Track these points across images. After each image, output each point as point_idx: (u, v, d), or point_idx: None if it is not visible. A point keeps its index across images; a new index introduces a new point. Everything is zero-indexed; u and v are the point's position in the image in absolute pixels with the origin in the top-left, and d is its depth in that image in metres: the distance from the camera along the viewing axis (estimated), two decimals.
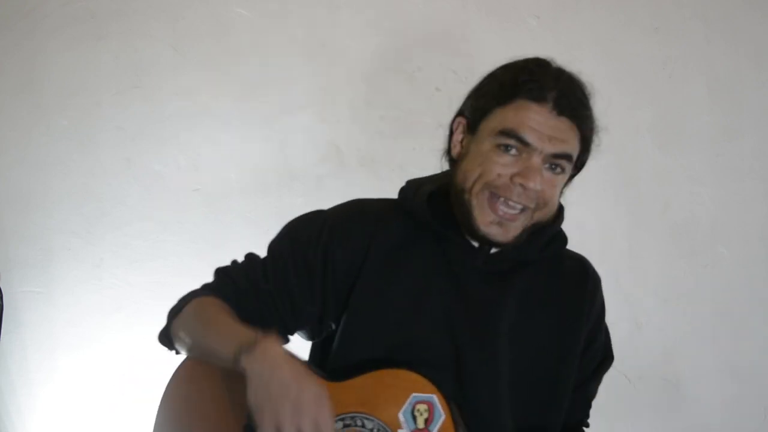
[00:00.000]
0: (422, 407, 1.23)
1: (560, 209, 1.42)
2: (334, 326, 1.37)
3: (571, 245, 2.35)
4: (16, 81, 2.28)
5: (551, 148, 1.28)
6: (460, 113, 1.39)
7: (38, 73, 2.29)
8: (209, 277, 1.45)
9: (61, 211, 2.28)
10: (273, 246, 1.41)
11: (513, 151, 1.28)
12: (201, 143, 2.31)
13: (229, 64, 2.33)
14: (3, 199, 2.27)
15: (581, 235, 2.36)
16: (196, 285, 1.45)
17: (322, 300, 1.35)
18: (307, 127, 2.32)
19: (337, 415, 1.23)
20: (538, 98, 1.29)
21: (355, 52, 2.34)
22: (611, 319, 2.37)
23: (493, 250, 1.35)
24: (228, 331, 1.26)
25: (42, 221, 2.27)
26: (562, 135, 1.29)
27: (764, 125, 2.40)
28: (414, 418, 1.23)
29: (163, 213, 2.29)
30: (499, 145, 1.28)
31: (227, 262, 1.44)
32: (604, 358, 1.47)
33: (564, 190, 1.40)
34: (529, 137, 1.27)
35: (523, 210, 1.29)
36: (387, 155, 2.32)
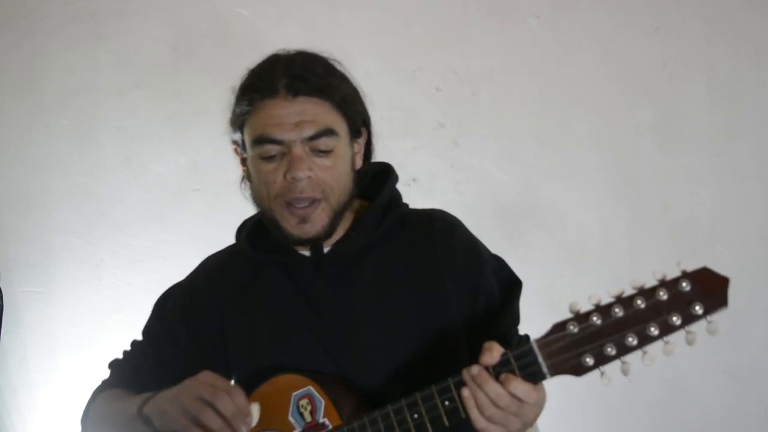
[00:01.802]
0: (304, 402, 1.27)
1: (387, 170, 1.42)
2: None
3: (572, 245, 2.35)
4: (16, 81, 2.28)
5: (303, 133, 1.26)
6: (232, 141, 1.39)
7: (38, 73, 2.29)
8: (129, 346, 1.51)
9: (61, 211, 2.28)
10: (145, 330, 1.49)
11: (275, 155, 1.28)
12: (201, 143, 2.31)
13: (229, 64, 2.32)
14: (3, 199, 2.27)
15: (581, 235, 2.38)
16: (135, 338, 1.50)
17: (202, 361, 1.37)
18: None
19: None
20: (270, 93, 1.29)
21: (355, 52, 2.34)
22: None
23: (326, 250, 1.36)
24: (128, 402, 1.33)
25: (42, 221, 2.27)
26: (307, 116, 1.27)
27: (764, 125, 2.40)
28: (301, 414, 1.27)
29: (163, 213, 2.30)
30: (261, 157, 1.29)
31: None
32: (510, 286, 1.39)
33: (369, 157, 1.39)
34: (276, 134, 1.27)
35: (313, 202, 1.29)
36: (387, 155, 2.31)
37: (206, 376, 1.21)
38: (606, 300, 1.03)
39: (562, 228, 2.33)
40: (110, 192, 2.29)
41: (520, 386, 1.07)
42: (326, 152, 1.29)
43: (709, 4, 2.41)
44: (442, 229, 1.38)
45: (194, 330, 1.40)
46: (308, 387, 1.27)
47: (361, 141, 1.38)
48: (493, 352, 1.09)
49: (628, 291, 1.03)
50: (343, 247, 1.36)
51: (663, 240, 2.39)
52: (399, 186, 1.45)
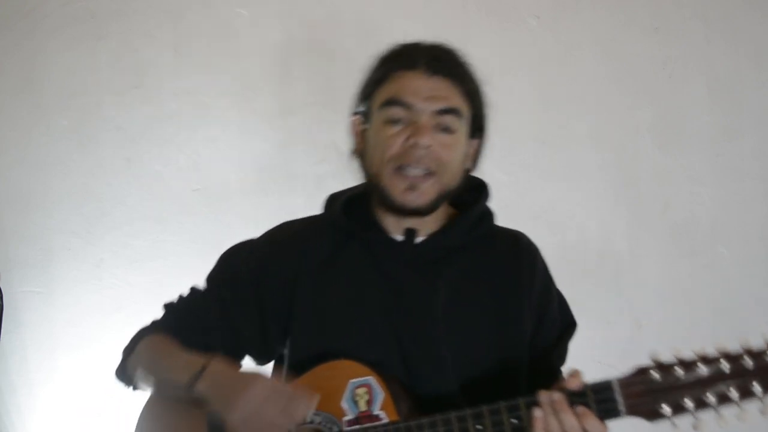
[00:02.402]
0: (361, 391, 1.27)
1: (483, 186, 1.45)
2: (285, 349, 1.40)
3: (572, 245, 2.35)
4: (16, 81, 2.28)
5: (433, 105, 1.31)
6: (353, 113, 1.43)
7: (38, 73, 2.29)
8: (187, 292, 1.48)
9: (61, 211, 2.28)
10: (209, 279, 1.46)
11: (400, 120, 1.32)
12: (201, 143, 2.31)
13: (229, 64, 2.33)
14: (3, 199, 2.27)
15: (581, 235, 2.38)
16: (196, 285, 1.47)
17: (261, 325, 1.39)
18: (307, 127, 2.32)
19: None
20: (410, 65, 1.34)
21: (355, 51, 2.34)
22: (612, 318, 2.38)
23: (419, 240, 1.38)
24: (178, 362, 1.32)
25: (42, 221, 2.27)
26: (441, 92, 1.32)
27: (764, 125, 2.40)
28: (355, 402, 1.27)
29: (163, 213, 2.30)
30: (387, 121, 1.33)
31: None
32: (567, 325, 1.46)
33: (478, 159, 1.42)
34: (409, 99, 1.31)
35: (427, 173, 1.31)
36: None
37: (264, 400, 1.19)
38: (689, 356, 1.11)
39: (562, 228, 2.33)
40: (110, 192, 2.29)
41: (594, 424, 1.12)
42: (449, 132, 1.33)
43: (709, 4, 2.41)
44: (528, 251, 1.43)
45: (263, 293, 1.39)
46: (369, 377, 1.28)
47: (475, 144, 1.41)
48: (578, 380, 1.14)
49: (712, 352, 1.10)
50: (437, 240, 1.38)
51: (663, 240, 2.39)
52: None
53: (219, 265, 1.47)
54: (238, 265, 1.43)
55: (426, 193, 1.32)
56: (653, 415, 1.10)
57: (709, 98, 2.40)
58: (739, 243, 2.39)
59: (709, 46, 2.40)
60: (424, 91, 1.32)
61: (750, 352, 1.11)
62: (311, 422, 1.27)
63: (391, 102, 1.33)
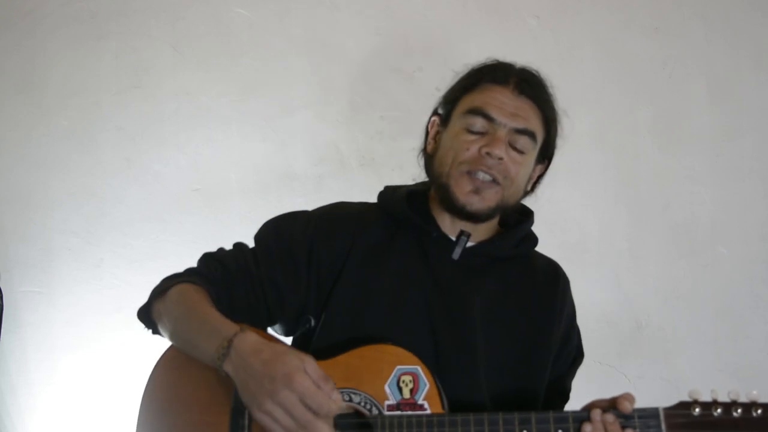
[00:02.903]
0: (407, 378, 1.29)
1: (530, 213, 1.53)
2: (313, 322, 1.41)
3: (572, 245, 2.36)
4: (16, 81, 2.28)
5: (514, 123, 1.39)
6: (434, 113, 1.50)
7: (38, 73, 2.29)
8: (236, 248, 1.48)
9: (61, 211, 2.28)
10: (260, 238, 1.47)
11: (480, 129, 1.39)
12: (201, 143, 2.31)
13: (229, 64, 2.33)
14: (3, 199, 2.27)
15: (581, 235, 2.38)
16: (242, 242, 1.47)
17: (306, 292, 1.40)
18: (307, 127, 2.32)
19: None
20: (501, 81, 1.41)
21: (355, 52, 2.34)
22: (611, 319, 2.38)
23: (470, 244, 1.43)
24: (207, 327, 1.29)
25: (42, 221, 2.27)
26: (523, 113, 1.40)
27: (764, 125, 2.40)
28: (399, 389, 1.29)
29: (163, 213, 2.30)
30: (467, 127, 1.39)
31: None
32: (577, 356, 1.54)
33: (537, 184, 1.51)
34: (493, 112, 1.38)
35: (494, 181, 1.38)
36: (387, 155, 2.32)
37: (286, 379, 1.16)
38: (724, 398, 1.23)
39: (562, 228, 2.33)
40: (110, 192, 2.29)
41: None
42: (520, 152, 1.40)
43: (709, 4, 2.41)
44: (564, 281, 1.52)
45: (313, 260, 1.41)
46: (417, 366, 1.30)
47: (539, 169, 1.51)
48: (630, 403, 1.22)
49: (744, 398, 1.23)
50: (486, 248, 1.45)
51: (663, 240, 2.39)
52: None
53: (274, 227, 1.47)
54: (295, 229, 1.44)
55: (488, 199, 1.39)
56: None
57: (709, 98, 2.40)
58: (739, 243, 2.39)
59: (709, 46, 2.40)
60: (509, 108, 1.39)
61: None
62: (349, 400, 1.28)
63: (475, 111, 1.40)
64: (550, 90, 1.48)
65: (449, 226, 1.44)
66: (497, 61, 1.48)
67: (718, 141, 2.40)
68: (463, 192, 1.38)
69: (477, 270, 1.42)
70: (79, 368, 2.26)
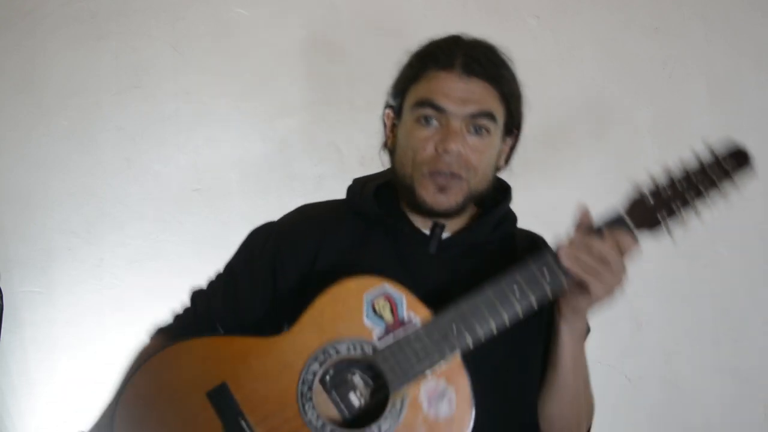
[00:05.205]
0: (380, 302, 1.22)
1: (507, 189, 1.47)
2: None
3: None
4: (16, 81, 2.28)
5: (466, 109, 1.30)
6: (386, 106, 1.43)
7: (38, 73, 2.29)
8: (209, 278, 1.48)
9: (61, 211, 2.28)
10: (228, 263, 1.46)
11: (433, 122, 1.32)
12: (201, 143, 2.31)
13: (229, 64, 2.33)
14: (3, 199, 2.27)
15: None
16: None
17: (272, 308, 1.37)
18: (307, 127, 2.32)
19: (307, 360, 1.20)
20: (445, 65, 1.32)
21: (355, 52, 2.34)
22: (611, 319, 2.37)
23: (445, 236, 1.38)
24: None
25: (42, 221, 2.27)
26: (475, 95, 1.31)
27: (764, 125, 2.40)
28: (379, 316, 1.22)
29: (163, 213, 2.30)
30: (418, 119, 1.32)
31: (225, 262, 1.48)
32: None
33: (511, 156, 1.45)
34: (441, 102, 1.30)
35: (455, 176, 1.32)
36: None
37: None
38: (658, 175, 1.34)
39: (563, 228, 2.33)
40: (110, 192, 2.29)
41: (624, 236, 1.29)
42: (481, 133, 1.33)
43: (709, 4, 2.41)
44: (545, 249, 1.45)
45: (278, 274, 1.37)
46: (382, 284, 1.23)
47: (510, 141, 1.42)
48: (587, 213, 1.31)
49: (676, 168, 1.35)
50: (462, 238, 1.39)
51: (663, 240, 2.39)
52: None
53: (240, 248, 1.46)
54: (256, 247, 1.42)
55: (454, 194, 1.33)
56: (655, 225, 1.31)
57: (709, 98, 2.39)
58: (739, 243, 2.39)
59: (709, 46, 2.40)
60: (458, 94, 1.31)
61: (706, 156, 1.38)
62: (336, 353, 1.20)
63: (423, 103, 1.32)
64: (504, 57, 1.39)
65: (421, 220, 1.39)
66: (441, 40, 1.39)
67: (718, 141, 2.40)
68: (429, 194, 1.32)
69: (457, 261, 1.38)
70: (79, 368, 2.26)
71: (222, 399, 1.19)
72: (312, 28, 2.34)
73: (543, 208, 2.37)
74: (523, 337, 1.34)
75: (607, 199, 2.44)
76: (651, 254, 2.39)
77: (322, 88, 2.33)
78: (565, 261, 1.24)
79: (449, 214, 1.35)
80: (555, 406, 1.34)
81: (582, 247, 1.25)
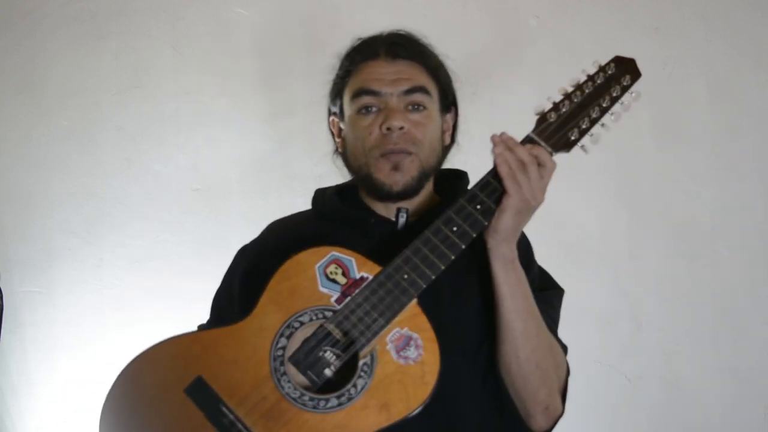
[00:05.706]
0: (332, 268, 1.26)
1: (463, 175, 1.51)
2: None
3: (572, 245, 2.35)
4: (16, 81, 2.28)
5: (399, 87, 1.38)
6: (329, 114, 1.53)
7: (38, 73, 2.29)
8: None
9: (61, 211, 2.28)
10: (215, 294, 1.51)
11: (373, 109, 1.39)
12: (201, 143, 2.31)
13: (229, 64, 2.33)
14: (3, 199, 2.27)
15: (581, 235, 2.38)
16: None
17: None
18: (307, 127, 2.32)
19: (273, 337, 1.23)
20: (371, 56, 1.42)
21: None
22: (611, 319, 2.38)
23: (411, 220, 1.41)
24: None
25: (42, 221, 2.28)
26: (404, 74, 1.39)
27: (764, 125, 2.40)
28: (333, 281, 1.25)
29: (163, 213, 2.30)
30: (359, 110, 1.40)
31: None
32: (546, 286, 1.49)
33: (455, 134, 1.49)
34: (375, 86, 1.38)
35: (404, 152, 1.37)
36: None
37: None
38: (559, 97, 1.41)
39: (562, 228, 2.33)
40: (110, 192, 2.29)
41: (542, 152, 1.35)
42: (419, 109, 1.39)
43: (709, 4, 2.41)
44: None
45: (243, 289, 1.40)
46: (330, 252, 1.27)
47: (450, 119, 1.48)
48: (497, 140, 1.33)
49: (571, 86, 1.42)
50: (429, 219, 1.38)
51: (663, 240, 2.39)
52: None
53: (223, 279, 1.50)
54: (231, 268, 1.48)
55: (408, 171, 1.37)
56: (569, 145, 1.38)
57: (709, 98, 2.39)
58: (739, 243, 2.39)
59: (709, 46, 2.40)
60: (389, 75, 1.38)
61: (598, 71, 1.50)
62: (300, 326, 1.23)
63: (359, 92, 1.40)
64: (425, 42, 1.48)
65: (385, 209, 1.43)
66: (361, 38, 1.48)
67: (718, 141, 2.40)
68: (384, 174, 1.37)
69: None
70: (79, 368, 2.26)
71: (200, 393, 1.22)
72: (312, 28, 2.34)
73: (543, 208, 2.37)
74: (466, 282, 1.37)
75: (608, 199, 2.45)
76: (651, 254, 2.41)
77: (322, 88, 2.33)
78: (495, 150, 1.32)
79: (408, 193, 1.39)
80: (509, 351, 1.32)
81: (509, 145, 1.33)
